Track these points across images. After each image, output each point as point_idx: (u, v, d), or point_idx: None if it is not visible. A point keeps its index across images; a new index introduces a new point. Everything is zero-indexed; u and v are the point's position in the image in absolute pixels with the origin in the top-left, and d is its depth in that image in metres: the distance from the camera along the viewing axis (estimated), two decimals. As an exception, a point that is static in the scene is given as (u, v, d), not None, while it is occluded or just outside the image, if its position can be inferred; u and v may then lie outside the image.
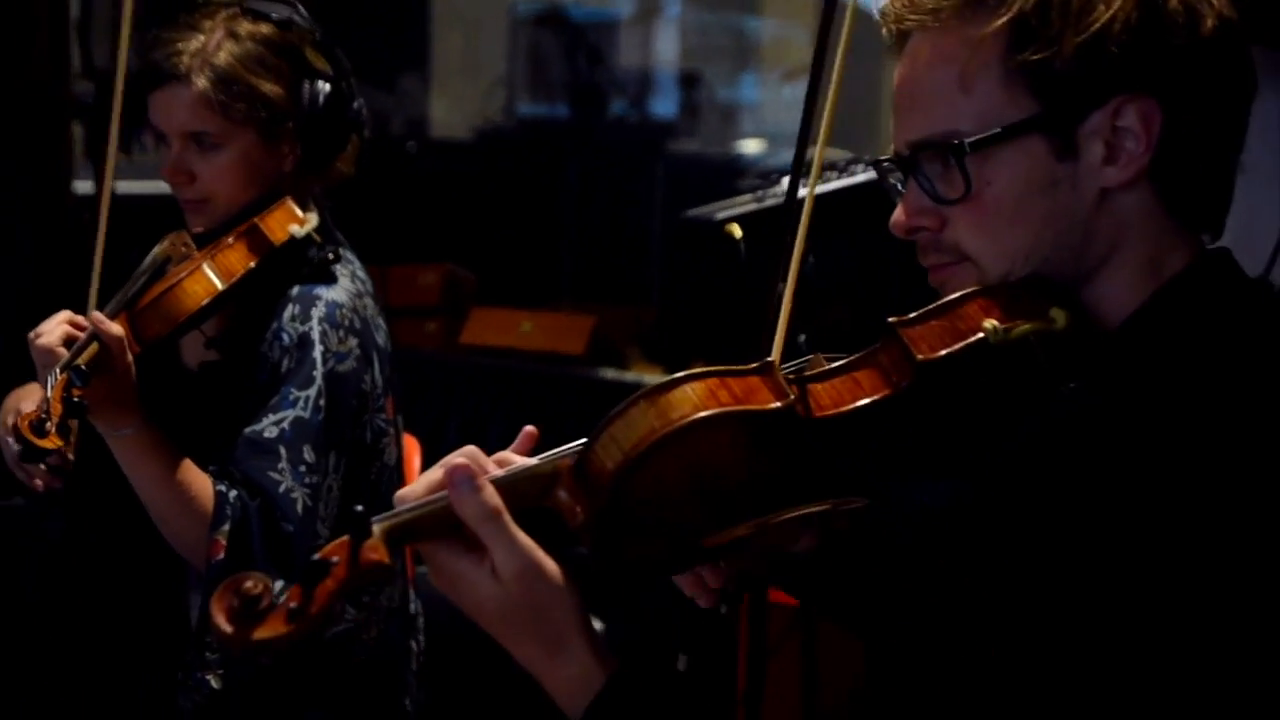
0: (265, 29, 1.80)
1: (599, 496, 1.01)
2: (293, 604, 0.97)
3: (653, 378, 3.30)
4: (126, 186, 4.80)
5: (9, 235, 4.03)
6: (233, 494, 1.69)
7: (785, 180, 1.91)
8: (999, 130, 1.11)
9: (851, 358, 1.11)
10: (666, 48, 5.98)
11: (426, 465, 2.22)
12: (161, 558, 1.77)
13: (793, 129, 6.18)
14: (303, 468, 1.71)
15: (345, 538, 1.00)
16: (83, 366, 1.56)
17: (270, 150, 1.81)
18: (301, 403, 1.72)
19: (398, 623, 1.91)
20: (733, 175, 5.01)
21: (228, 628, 0.96)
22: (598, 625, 2.51)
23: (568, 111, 5.55)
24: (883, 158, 1.25)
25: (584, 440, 1.06)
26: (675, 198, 4.88)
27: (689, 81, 5.74)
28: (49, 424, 1.53)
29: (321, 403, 1.73)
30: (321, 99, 1.80)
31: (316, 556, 0.97)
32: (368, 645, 1.85)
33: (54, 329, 1.63)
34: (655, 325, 3.58)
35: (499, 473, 1.07)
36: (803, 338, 1.91)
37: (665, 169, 4.91)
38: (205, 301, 1.69)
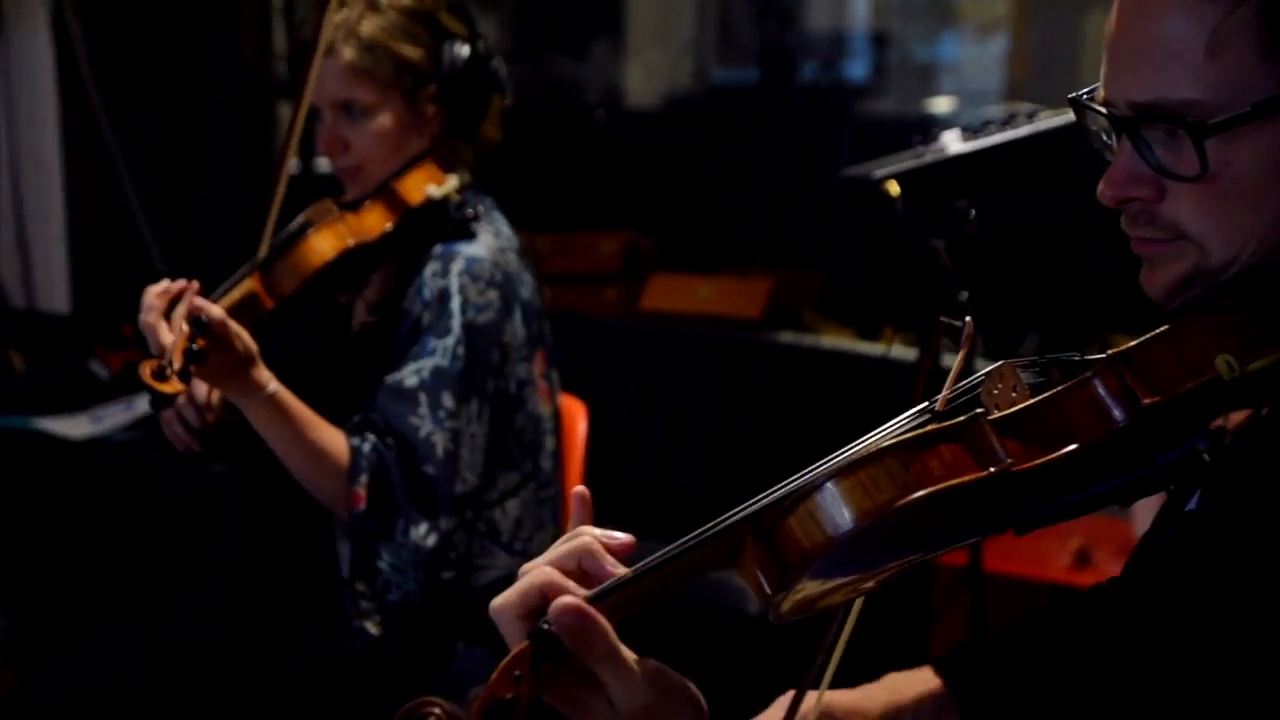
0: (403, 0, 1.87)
1: (793, 575, 0.94)
2: None
3: (831, 339, 3.27)
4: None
5: (222, 215, 4.22)
6: (367, 445, 1.75)
7: (945, 137, 1.86)
8: (1249, 109, 0.98)
9: (1060, 388, 0.99)
10: (858, 7, 5.87)
11: (594, 431, 2.25)
12: (310, 510, 1.84)
13: (987, 86, 6.00)
14: (442, 413, 1.76)
15: (521, 651, 0.95)
16: (203, 318, 1.64)
17: (416, 114, 1.87)
18: (440, 351, 1.78)
19: None
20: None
21: None
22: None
23: (758, 76, 5.51)
24: (1092, 102, 1.10)
25: (761, 500, 0.98)
26: (864, 160, 4.81)
27: (881, 41, 5.63)
28: (169, 370, 1.61)
29: (460, 350, 1.78)
30: (460, 60, 1.86)
31: (506, 695, 0.93)
32: None
33: (152, 301, 1.73)
34: (830, 286, 3.54)
35: (619, 577, 0.98)
36: (965, 294, 1.87)
37: (855, 131, 4.83)
38: (330, 257, 1.76)
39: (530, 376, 1.90)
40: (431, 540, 1.77)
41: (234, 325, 1.69)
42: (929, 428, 0.96)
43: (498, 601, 0.99)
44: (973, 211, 1.87)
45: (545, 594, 0.97)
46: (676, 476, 3.09)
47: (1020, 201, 1.94)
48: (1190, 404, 0.96)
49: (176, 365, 1.62)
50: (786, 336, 3.07)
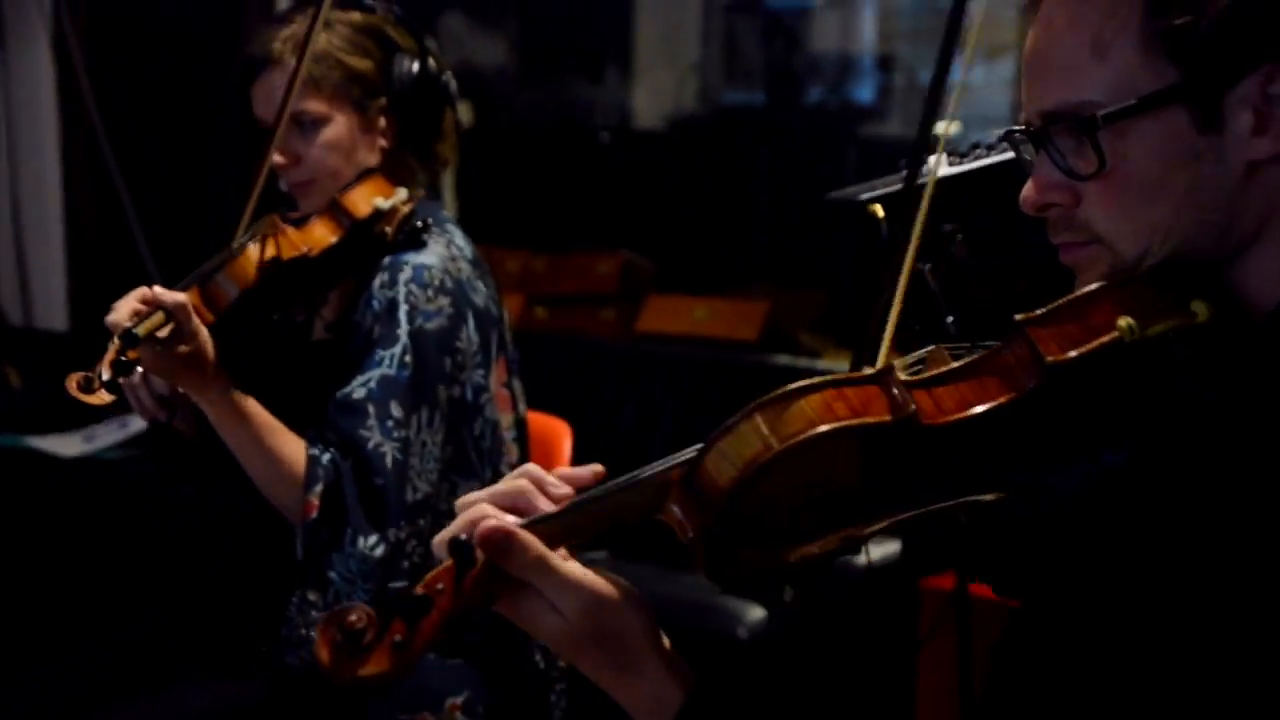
0: (355, 15, 1.88)
1: (710, 513, 0.98)
2: (397, 638, 0.96)
3: (827, 364, 3.24)
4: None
5: (219, 228, 4.21)
6: (325, 456, 1.75)
7: (932, 159, 1.84)
8: (1134, 101, 1.03)
9: (974, 356, 1.05)
10: (865, 30, 5.86)
11: (577, 451, 2.23)
12: (268, 526, 1.83)
13: (994, 110, 5.99)
14: (390, 423, 1.76)
15: (446, 566, 1.00)
16: (137, 332, 1.63)
17: (367, 127, 1.87)
18: (387, 361, 1.77)
19: None
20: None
21: (330, 662, 0.95)
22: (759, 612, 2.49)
23: (764, 98, 5.50)
24: (1014, 128, 1.19)
25: (688, 452, 1.03)
26: (866, 181, 4.79)
27: (886, 64, 5.62)
28: (96, 381, 1.64)
29: (408, 359, 1.77)
30: (409, 73, 1.87)
31: (419, 590, 0.97)
32: None
33: (123, 305, 1.71)
34: (826, 309, 3.51)
35: (578, 497, 1.06)
36: (951, 319, 1.84)
37: (860, 153, 4.82)
38: (264, 270, 1.75)
39: (487, 384, 1.88)
40: (380, 551, 1.76)
41: (195, 321, 1.67)
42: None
43: (439, 535, 1.04)
44: (959, 235, 1.84)
45: (474, 525, 1.02)
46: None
47: (1010, 225, 1.91)
48: (1096, 369, 0.99)
49: (105, 376, 1.62)
50: (782, 358, 3.05)
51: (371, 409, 1.76)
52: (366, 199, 1.81)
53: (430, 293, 1.80)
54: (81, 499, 3.19)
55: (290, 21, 1.87)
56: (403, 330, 1.78)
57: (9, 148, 4.04)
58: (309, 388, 1.87)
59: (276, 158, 1.84)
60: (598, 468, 1.09)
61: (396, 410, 1.77)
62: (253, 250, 1.76)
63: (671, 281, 3.80)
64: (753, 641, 2.44)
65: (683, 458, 1.02)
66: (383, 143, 1.89)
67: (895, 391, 0.99)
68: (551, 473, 1.09)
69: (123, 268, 4.06)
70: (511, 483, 1.07)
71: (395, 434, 1.76)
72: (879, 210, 1.80)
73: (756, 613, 2.52)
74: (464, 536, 1.00)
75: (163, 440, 1.89)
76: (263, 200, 1.84)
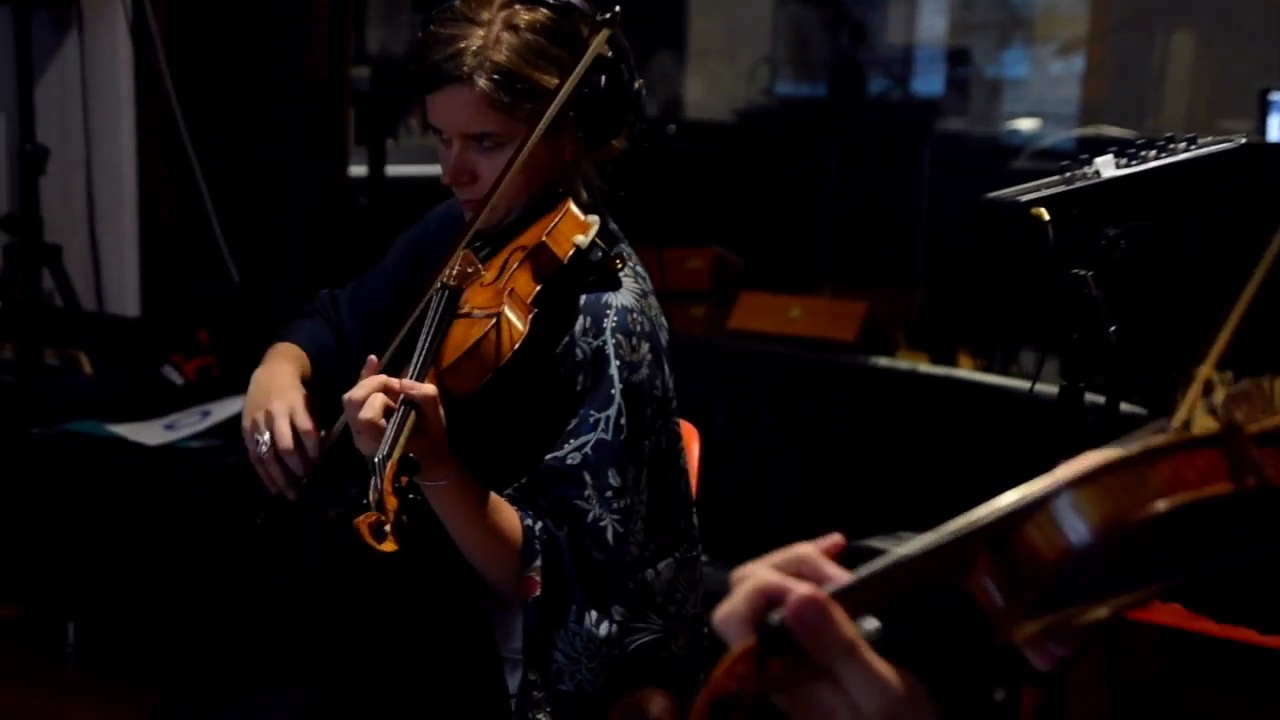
0: (542, 16, 1.69)
1: (1031, 588, 0.87)
2: None
3: (928, 368, 3.18)
4: (395, 170, 4.92)
5: (291, 215, 4.17)
6: (539, 526, 1.64)
7: (1098, 161, 1.77)
8: None
9: None
10: (934, 23, 5.79)
11: (704, 454, 2.17)
12: (464, 591, 1.74)
13: (1062, 106, 5.90)
14: (609, 493, 1.64)
15: (746, 649, 0.86)
16: (411, 456, 1.49)
17: (552, 143, 1.71)
18: (602, 424, 1.65)
19: (703, 632, 1.84)
20: (1004, 155, 4.83)
21: None
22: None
23: (826, 90, 5.43)
24: None
25: (989, 512, 0.90)
26: (941, 179, 4.73)
27: (957, 58, 5.54)
28: (387, 525, 1.44)
29: (622, 422, 1.65)
30: (602, 87, 1.69)
31: (720, 679, 0.84)
32: (677, 656, 1.77)
33: (374, 403, 1.53)
34: (924, 311, 3.45)
35: (856, 574, 0.92)
36: (1113, 328, 1.78)
37: (932, 149, 4.75)
38: (514, 349, 1.61)
39: (679, 430, 1.77)
40: (604, 628, 1.65)
41: (440, 413, 1.54)
42: (1180, 436, 0.89)
43: (722, 610, 0.90)
44: (1123, 241, 1.78)
45: (769, 597, 0.89)
46: (766, 499, 3.01)
47: (1175, 231, 1.86)
48: None
49: (391, 515, 1.44)
50: (881, 360, 2.98)
51: (588, 477, 1.64)
52: (568, 237, 1.66)
53: (634, 341, 1.67)
54: (167, 487, 3.15)
55: (473, 23, 1.67)
56: (616, 390, 1.65)
57: (85, 130, 3.99)
58: (475, 428, 1.75)
59: (449, 178, 1.73)
60: (838, 537, 0.96)
61: (614, 479, 1.65)
62: (493, 335, 1.59)
63: (757, 278, 3.74)
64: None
65: (983, 519, 0.90)
66: (566, 157, 1.74)
67: (1248, 454, 0.88)
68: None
69: (195, 252, 4.03)
70: (792, 552, 0.94)
71: (614, 504, 1.64)
72: (1044, 213, 1.74)
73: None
74: (774, 620, 0.86)
75: (278, 513, 1.75)
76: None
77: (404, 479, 1.46)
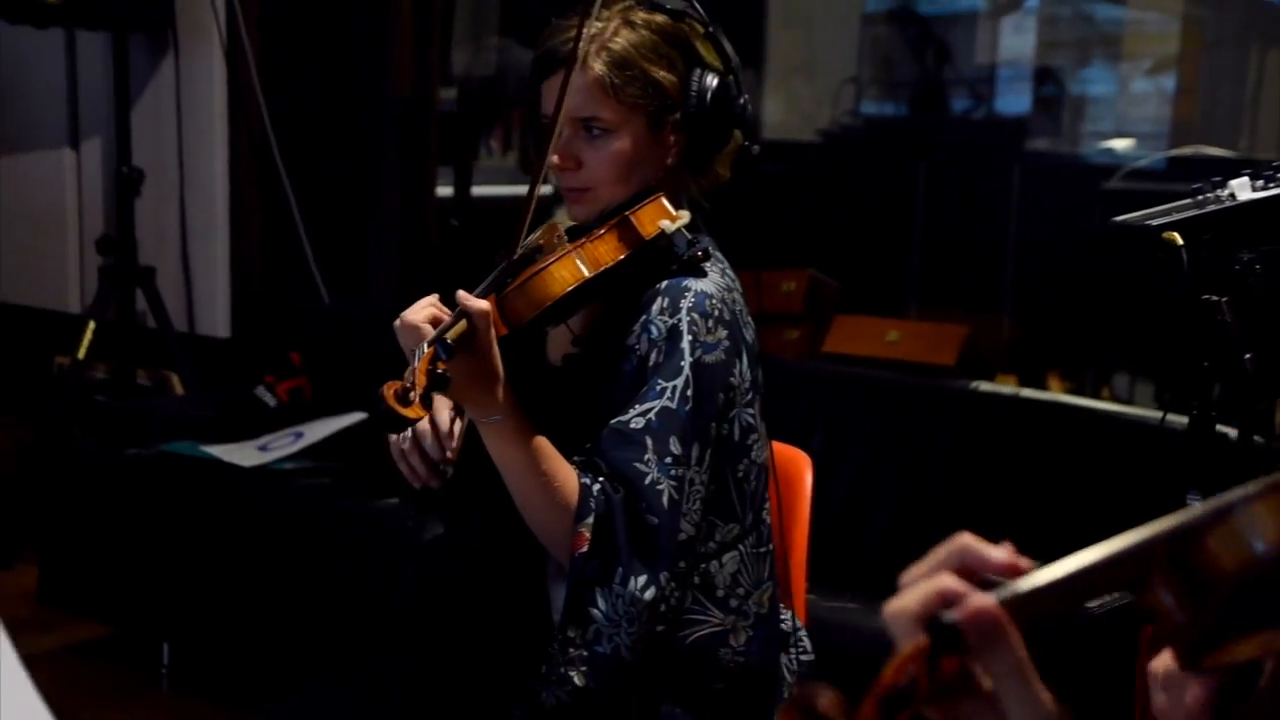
0: (660, 18, 1.77)
1: (1210, 601, 0.86)
2: None
3: (1031, 393, 3.13)
4: (479, 190, 4.93)
5: (380, 236, 4.19)
6: (596, 486, 1.67)
7: (1233, 184, 1.73)
8: None
9: None
10: (1022, 41, 5.72)
11: (817, 481, 2.14)
12: (525, 552, 1.75)
13: (1153, 126, 5.78)
14: (669, 459, 1.67)
15: (917, 649, 0.85)
16: (449, 340, 1.55)
17: (656, 141, 1.76)
18: (669, 393, 1.68)
19: (767, 632, 1.83)
20: (1097, 176, 4.76)
21: None
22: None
23: (914, 111, 5.38)
24: None
25: (1173, 521, 0.89)
26: (1032, 200, 4.66)
27: (1045, 77, 5.47)
28: (413, 393, 1.50)
29: (689, 393, 1.68)
30: (710, 91, 1.75)
31: (890, 677, 0.84)
32: (735, 651, 1.79)
33: (420, 309, 1.63)
34: (1015, 334, 3.40)
35: (1030, 581, 0.90)
36: (1248, 355, 1.73)
37: (1021, 170, 4.68)
38: (571, 287, 1.66)
39: (756, 423, 1.79)
40: (650, 593, 1.67)
41: (492, 331, 1.59)
42: None
43: (893, 605, 0.90)
44: (1258, 266, 1.73)
45: (945, 599, 0.88)
46: (866, 524, 2.96)
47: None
48: None
49: (419, 388, 1.51)
50: (983, 385, 2.93)
51: (650, 441, 1.68)
52: (654, 220, 1.70)
53: (711, 323, 1.71)
54: (262, 508, 3.16)
55: (590, 16, 1.72)
56: (686, 362, 1.69)
57: (180, 153, 4.03)
58: (553, 405, 1.78)
59: (555, 159, 1.76)
60: (1013, 554, 0.92)
61: (676, 446, 1.68)
62: (555, 270, 1.67)
63: (848, 301, 3.70)
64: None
65: (1164, 529, 0.89)
66: (667, 159, 1.79)
67: None
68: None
69: (285, 274, 4.05)
70: (954, 545, 0.92)
71: (673, 471, 1.67)
72: (1177, 238, 1.69)
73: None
74: (949, 616, 0.85)
75: (425, 501, 1.80)
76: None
77: (440, 364, 1.52)
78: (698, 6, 1.80)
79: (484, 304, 1.58)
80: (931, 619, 0.86)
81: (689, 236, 1.71)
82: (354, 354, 3.66)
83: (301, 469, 3.26)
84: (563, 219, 1.89)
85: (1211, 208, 1.74)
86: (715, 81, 1.75)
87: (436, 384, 1.53)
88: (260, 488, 3.18)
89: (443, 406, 1.72)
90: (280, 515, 3.15)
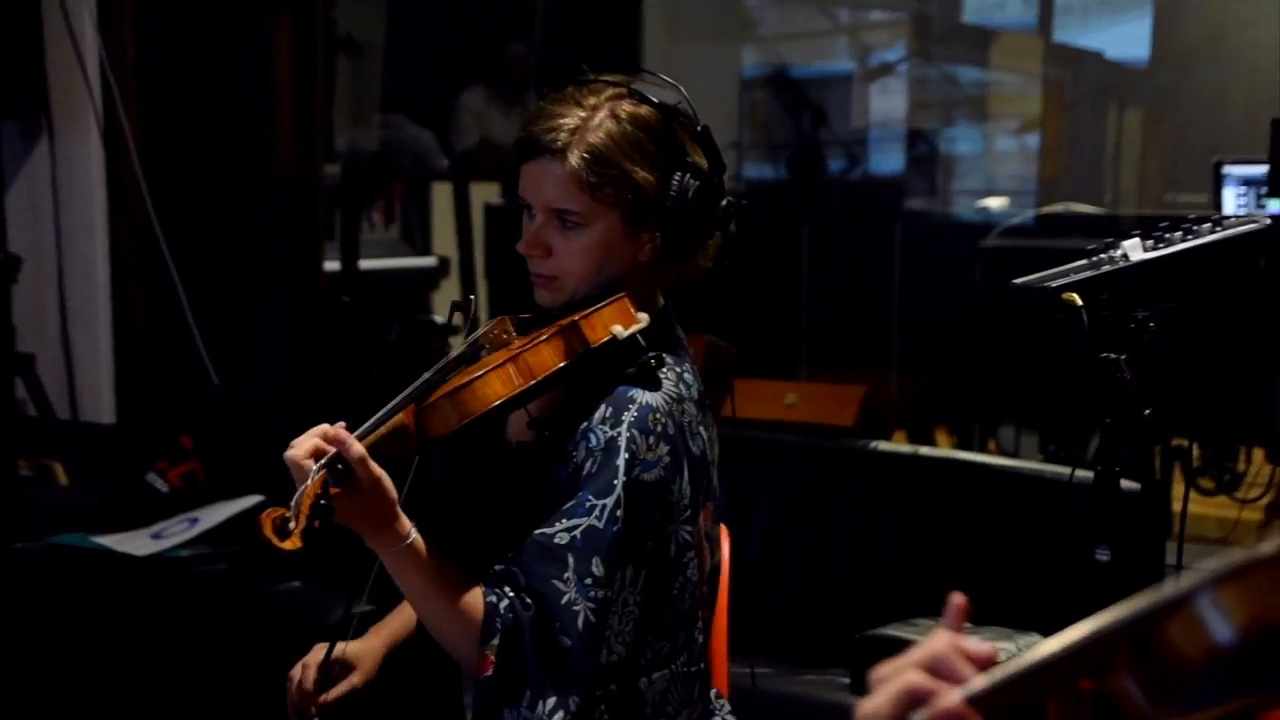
0: (646, 113, 1.72)
1: (1179, 690, 0.88)
2: None
3: (939, 451, 3.19)
4: (365, 263, 4.86)
5: (269, 310, 4.13)
6: (504, 603, 1.62)
7: (1125, 245, 1.79)
8: None
9: None
10: (893, 104, 5.88)
11: (733, 554, 2.15)
12: (437, 653, 1.72)
13: (1025, 184, 5.97)
14: (589, 580, 1.62)
15: None
16: (338, 466, 1.51)
17: (631, 237, 1.72)
18: (598, 511, 1.63)
19: None
20: (973, 234, 4.88)
21: None
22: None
23: (794, 173, 5.48)
24: None
25: (1129, 611, 0.90)
26: (911, 259, 4.77)
27: (917, 138, 5.63)
28: (292, 524, 1.46)
29: (619, 513, 1.63)
30: (690, 193, 1.71)
31: None
32: None
33: (303, 443, 1.56)
34: (919, 394, 3.46)
35: (993, 677, 0.94)
36: (1147, 411, 1.78)
37: (902, 229, 4.80)
38: (494, 404, 1.62)
39: (693, 540, 1.74)
40: (559, 717, 1.62)
41: (375, 469, 1.55)
42: None
43: (866, 708, 0.95)
44: (1151, 324, 1.79)
45: (914, 699, 0.94)
46: (772, 588, 2.98)
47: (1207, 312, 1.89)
48: None
49: (301, 521, 1.46)
50: (882, 445, 2.98)
51: (571, 560, 1.62)
52: (607, 325, 1.65)
53: (652, 440, 1.65)
54: (159, 597, 3.08)
55: (579, 106, 1.71)
56: (619, 481, 1.64)
57: (57, 234, 3.95)
58: (501, 490, 1.76)
59: (522, 246, 1.75)
60: (989, 648, 0.99)
61: (598, 568, 1.63)
62: (484, 383, 1.61)
63: (741, 366, 3.73)
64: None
65: (1122, 620, 0.90)
66: (641, 255, 1.75)
67: None
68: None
69: (172, 356, 3.97)
70: (932, 648, 0.97)
71: (592, 593, 1.62)
72: (1076, 299, 1.74)
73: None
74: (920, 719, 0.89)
75: None
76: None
77: (333, 490, 1.51)
78: (690, 104, 1.77)
79: (357, 448, 1.54)
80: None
81: (642, 344, 1.67)
82: (247, 435, 3.59)
83: (198, 555, 3.18)
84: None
85: (1106, 268, 1.79)
86: (697, 184, 1.71)
87: (318, 514, 1.49)
88: (156, 577, 3.10)
89: (319, 655, 1.80)
90: (178, 604, 3.07)
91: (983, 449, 4.42)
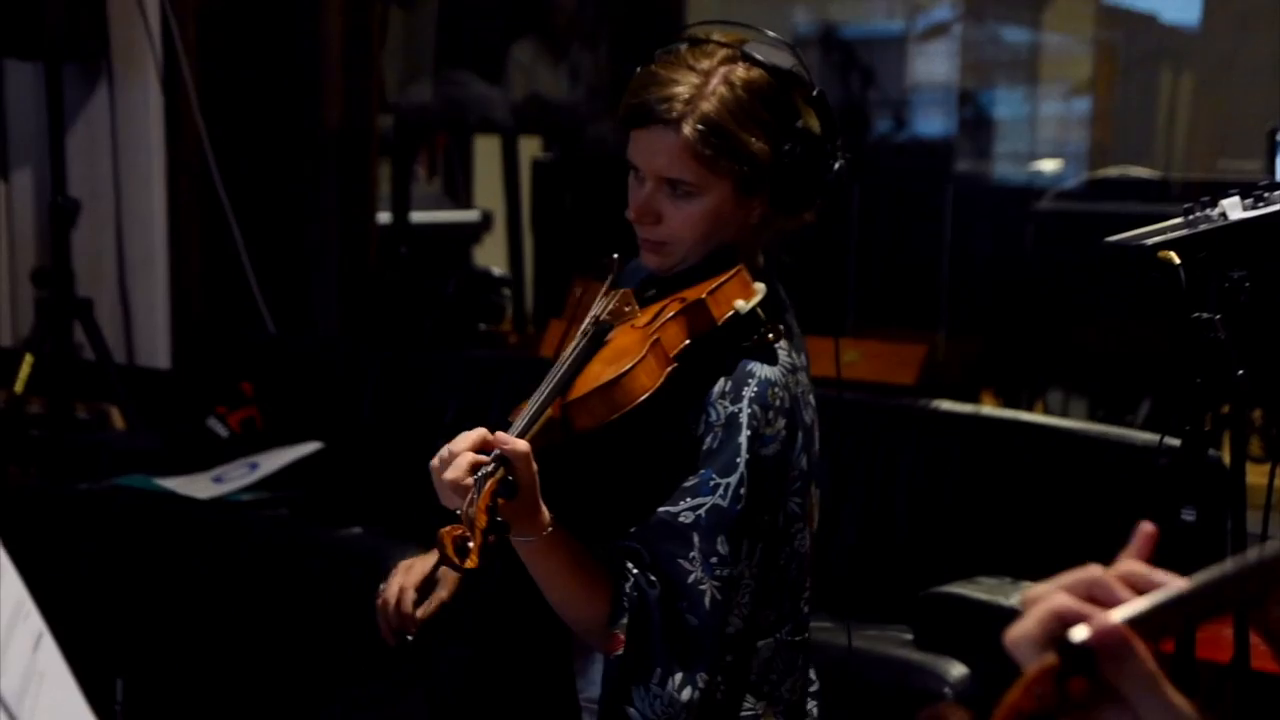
0: (760, 78, 1.68)
1: None
2: None
3: (990, 410, 3.19)
4: (419, 216, 4.87)
5: (322, 262, 4.15)
6: (629, 583, 1.63)
7: (1224, 203, 1.78)
8: None
9: None
10: (943, 66, 5.84)
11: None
12: (548, 624, 1.72)
13: (1078, 148, 5.91)
14: (714, 559, 1.63)
15: (1044, 669, 0.86)
16: (510, 478, 1.51)
17: (741, 204, 1.70)
18: (721, 490, 1.63)
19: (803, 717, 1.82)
20: (1022, 198, 4.87)
21: None
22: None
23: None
24: None
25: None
26: (961, 222, 4.76)
27: (967, 100, 5.59)
28: (471, 543, 1.45)
29: (742, 491, 1.63)
30: (802, 159, 1.69)
31: (1016, 698, 0.85)
32: None
33: (459, 467, 1.54)
34: (981, 353, 3.46)
35: (1153, 599, 0.91)
36: (1241, 372, 1.78)
37: (953, 192, 4.78)
38: (643, 397, 1.60)
39: (802, 510, 1.74)
40: (687, 693, 1.62)
41: (534, 466, 1.54)
42: None
43: (1014, 631, 0.91)
44: (1248, 284, 1.79)
45: (1064, 621, 0.90)
46: (829, 544, 2.99)
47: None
48: None
49: (478, 538, 1.45)
50: (944, 404, 2.98)
51: (697, 539, 1.62)
52: (730, 299, 1.64)
53: (771, 415, 1.65)
54: (219, 540, 3.11)
55: (692, 70, 1.68)
56: (742, 459, 1.63)
57: (115, 179, 3.96)
58: (597, 465, 1.73)
59: (631, 214, 1.72)
60: (1136, 564, 0.95)
61: (723, 546, 1.62)
62: (637, 375, 1.59)
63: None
64: (958, 700, 2.37)
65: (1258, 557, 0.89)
66: (751, 219, 1.72)
67: None
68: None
69: (229, 304, 3.99)
70: (1087, 572, 0.94)
71: (719, 571, 1.62)
72: (1174, 257, 1.74)
73: (958, 669, 2.45)
74: (1078, 637, 0.87)
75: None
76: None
77: (500, 501, 1.49)
78: (804, 64, 1.73)
79: (523, 446, 1.54)
80: (1061, 640, 0.87)
81: (761, 316, 1.67)
82: (304, 384, 3.62)
83: (259, 500, 3.21)
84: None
85: (1204, 227, 1.79)
86: (810, 150, 1.69)
87: (495, 529, 1.48)
88: (218, 520, 3.13)
89: (415, 575, 1.80)
90: (240, 547, 3.10)
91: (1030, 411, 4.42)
